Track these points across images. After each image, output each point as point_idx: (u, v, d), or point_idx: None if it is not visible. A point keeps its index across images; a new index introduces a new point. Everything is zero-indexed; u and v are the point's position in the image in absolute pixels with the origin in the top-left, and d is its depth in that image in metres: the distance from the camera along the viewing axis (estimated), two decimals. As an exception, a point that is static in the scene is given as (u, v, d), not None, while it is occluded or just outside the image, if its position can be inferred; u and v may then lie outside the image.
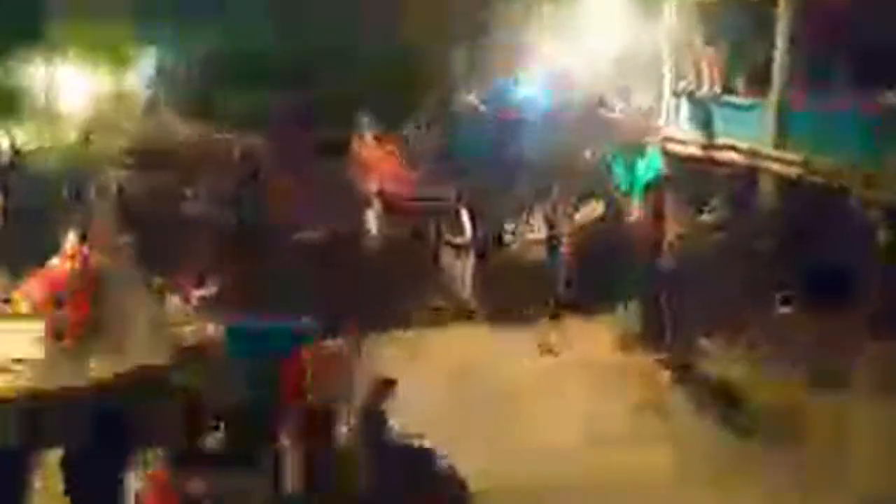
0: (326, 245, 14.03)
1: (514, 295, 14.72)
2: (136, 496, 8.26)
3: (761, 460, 10.20)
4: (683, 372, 12.76)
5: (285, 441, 9.44)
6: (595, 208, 15.63)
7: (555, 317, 14.37)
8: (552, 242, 15.42)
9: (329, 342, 10.19)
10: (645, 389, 12.35)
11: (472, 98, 15.83)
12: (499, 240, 15.39)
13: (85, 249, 10.84)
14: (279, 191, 14.79)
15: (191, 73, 14.37)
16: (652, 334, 13.68)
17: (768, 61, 13.46)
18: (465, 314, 14.71)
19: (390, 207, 15.13)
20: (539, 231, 15.48)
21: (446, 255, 15.23)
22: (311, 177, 14.75)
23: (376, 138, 15.37)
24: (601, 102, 15.61)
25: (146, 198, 13.97)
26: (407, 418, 9.44)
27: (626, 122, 15.64)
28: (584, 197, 15.69)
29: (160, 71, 14.05)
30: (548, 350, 13.72)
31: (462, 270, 15.13)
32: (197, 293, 12.77)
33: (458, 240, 15.08)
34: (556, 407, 11.74)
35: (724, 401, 11.68)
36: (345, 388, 9.86)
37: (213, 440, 9.39)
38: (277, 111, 14.76)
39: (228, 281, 12.76)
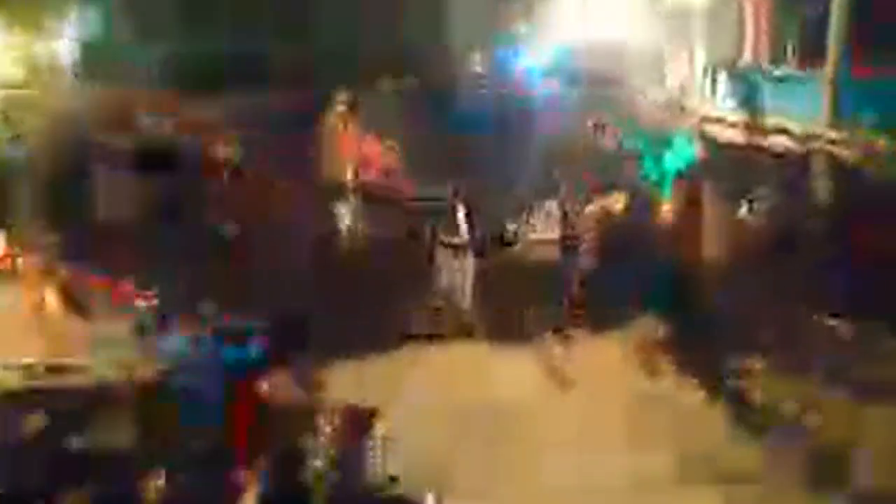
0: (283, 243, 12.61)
1: (521, 299, 13.15)
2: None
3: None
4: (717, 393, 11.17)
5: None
6: (617, 200, 13.97)
7: (558, 331, 12.66)
8: (566, 241, 13.93)
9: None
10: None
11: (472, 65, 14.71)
12: (500, 240, 14.05)
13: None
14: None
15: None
16: (679, 346, 12.00)
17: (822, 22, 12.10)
18: (464, 331, 13.12)
19: (370, 198, 13.88)
20: (545, 230, 14.06)
21: (443, 257, 13.76)
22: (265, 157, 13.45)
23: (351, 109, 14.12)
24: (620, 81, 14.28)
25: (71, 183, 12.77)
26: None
27: (651, 104, 14.26)
28: (604, 189, 14.04)
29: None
30: (553, 370, 12.01)
31: (462, 278, 13.65)
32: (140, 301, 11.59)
33: (455, 240, 13.69)
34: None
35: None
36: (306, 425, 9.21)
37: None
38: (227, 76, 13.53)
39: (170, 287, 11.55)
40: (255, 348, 9.88)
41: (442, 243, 13.66)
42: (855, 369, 10.76)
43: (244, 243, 12.74)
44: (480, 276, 13.53)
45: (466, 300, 13.44)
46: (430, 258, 13.81)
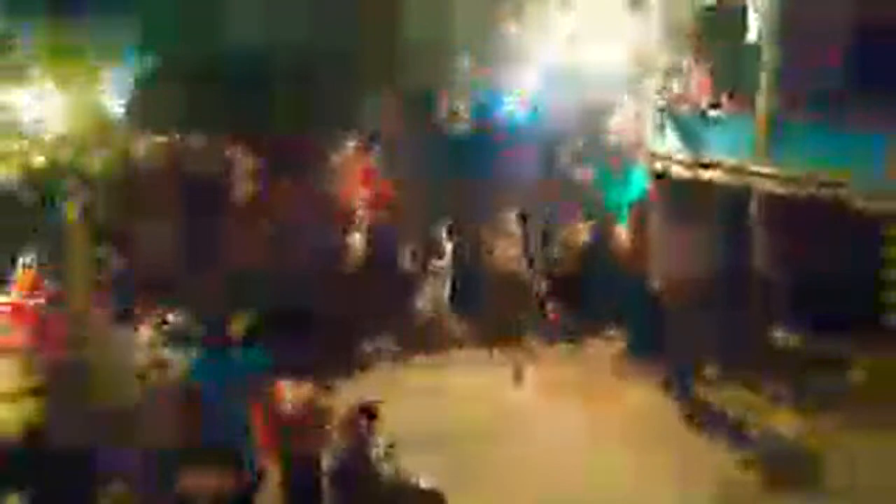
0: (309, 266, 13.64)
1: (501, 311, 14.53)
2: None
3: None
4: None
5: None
6: (581, 230, 15.36)
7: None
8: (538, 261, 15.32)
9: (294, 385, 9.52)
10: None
11: (456, 108, 15.42)
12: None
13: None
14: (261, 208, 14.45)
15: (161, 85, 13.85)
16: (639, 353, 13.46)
17: (755, 74, 13.27)
18: (455, 343, 14.40)
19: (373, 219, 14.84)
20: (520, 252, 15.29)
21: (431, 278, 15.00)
22: (291, 191, 14.42)
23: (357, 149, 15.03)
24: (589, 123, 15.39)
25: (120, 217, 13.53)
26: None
27: (613, 140, 15.42)
28: (579, 217, 15.51)
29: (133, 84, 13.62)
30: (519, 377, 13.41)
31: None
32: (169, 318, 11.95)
33: (439, 263, 14.86)
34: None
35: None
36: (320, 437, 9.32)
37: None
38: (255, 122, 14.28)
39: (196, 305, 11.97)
40: (265, 352, 9.93)
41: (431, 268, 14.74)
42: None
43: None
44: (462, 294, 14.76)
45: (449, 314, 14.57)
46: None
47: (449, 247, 14.70)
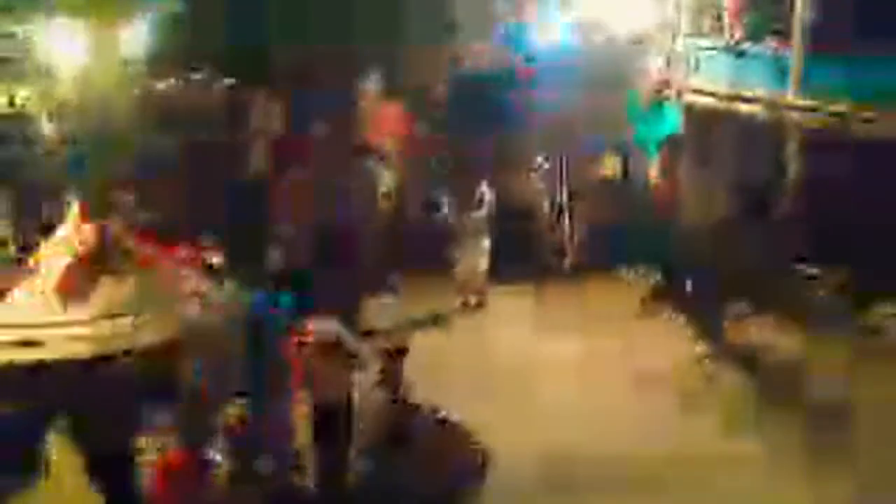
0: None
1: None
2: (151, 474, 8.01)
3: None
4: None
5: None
6: (611, 164, 15.16)
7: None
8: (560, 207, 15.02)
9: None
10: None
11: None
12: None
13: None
14: (285, 151, 14.48)
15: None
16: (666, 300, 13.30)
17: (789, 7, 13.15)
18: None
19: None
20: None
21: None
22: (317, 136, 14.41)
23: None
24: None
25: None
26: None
27: (645, 72, 15.21)
28: (601, 152, 15.23)
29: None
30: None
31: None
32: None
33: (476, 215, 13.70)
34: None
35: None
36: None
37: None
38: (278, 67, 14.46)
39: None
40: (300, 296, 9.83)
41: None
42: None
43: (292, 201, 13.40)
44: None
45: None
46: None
47: (488, 197, 13.76)
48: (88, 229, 9.16)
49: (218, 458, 8.44)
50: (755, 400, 10.71)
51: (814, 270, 12.52)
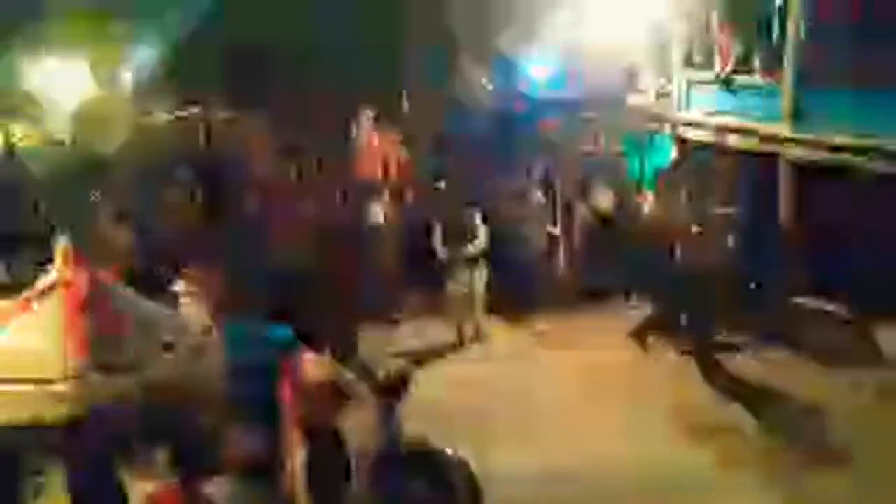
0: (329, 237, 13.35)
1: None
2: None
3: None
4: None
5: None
6: (605, 199, 15.16)
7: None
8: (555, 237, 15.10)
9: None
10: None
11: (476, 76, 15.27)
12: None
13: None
14: (279, 184, 14.50)
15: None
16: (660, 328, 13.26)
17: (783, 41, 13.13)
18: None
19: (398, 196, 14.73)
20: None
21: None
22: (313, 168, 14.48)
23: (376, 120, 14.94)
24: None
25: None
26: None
27: (639, 106, 15.26)
28: (594, 186, 15.24)
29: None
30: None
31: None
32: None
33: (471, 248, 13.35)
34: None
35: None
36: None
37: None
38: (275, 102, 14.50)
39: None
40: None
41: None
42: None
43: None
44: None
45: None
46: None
47: (483, 230, 13.47)
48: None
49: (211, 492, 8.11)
50: (758, 431, 10.66)
51: (829, 306, 12.43)
